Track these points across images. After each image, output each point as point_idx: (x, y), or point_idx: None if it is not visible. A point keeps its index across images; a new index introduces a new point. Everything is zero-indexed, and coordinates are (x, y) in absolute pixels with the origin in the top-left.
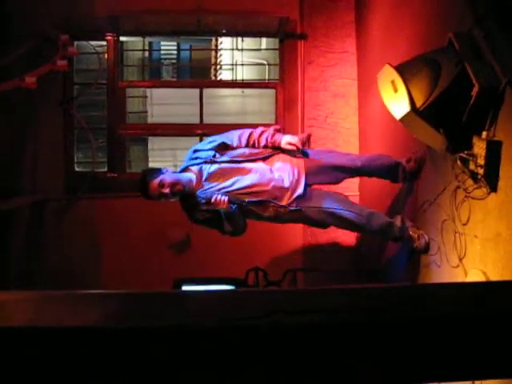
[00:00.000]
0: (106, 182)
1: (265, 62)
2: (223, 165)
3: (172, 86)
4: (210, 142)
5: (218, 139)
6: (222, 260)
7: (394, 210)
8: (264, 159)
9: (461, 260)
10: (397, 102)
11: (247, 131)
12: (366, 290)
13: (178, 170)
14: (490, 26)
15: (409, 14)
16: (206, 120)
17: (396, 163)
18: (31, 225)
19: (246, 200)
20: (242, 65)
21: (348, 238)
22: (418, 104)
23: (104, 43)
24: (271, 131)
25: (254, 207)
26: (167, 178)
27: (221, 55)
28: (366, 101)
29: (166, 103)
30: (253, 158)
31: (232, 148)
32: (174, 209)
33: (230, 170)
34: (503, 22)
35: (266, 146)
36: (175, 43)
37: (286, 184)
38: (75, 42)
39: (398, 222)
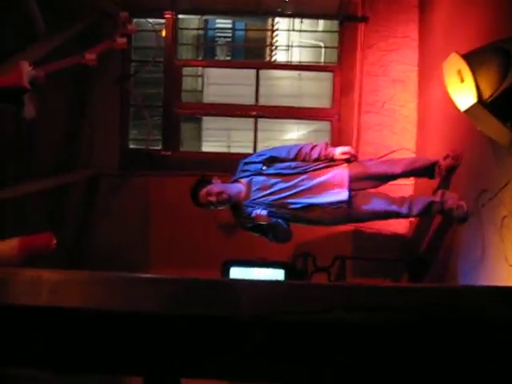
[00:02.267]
0: (160, 159)
1: (321, 44)
2: (270, 176)
3: (227, 67)
4: (259, 156)
5: (267, 153)
6: (271, 243)
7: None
8: (309, 172)
9: None
10: (462, 92)
11: (297, 146)
12: (423, 289)
13: (232, 179)
14: None
15: (476, 1)
16: (261, 101)
17: (432, 163)
18: (85, 200)
19: (291, 206)
20: (299, 46)
21: (398, 225)
22: (486, 96)
23: (162, 21)
24: (323, 145)
25: (300, 212)
26: (214, 187)
27: (277, 35)
28: (427, 88)
29: (222, 83)
30: (299, 170)
31: (280, 160)
32: None
33: (277, 181)
34: None
35: (317, 159)
36: (230, 21)
37: (331, 191)
38: (134, 20)
39: (437, 197)
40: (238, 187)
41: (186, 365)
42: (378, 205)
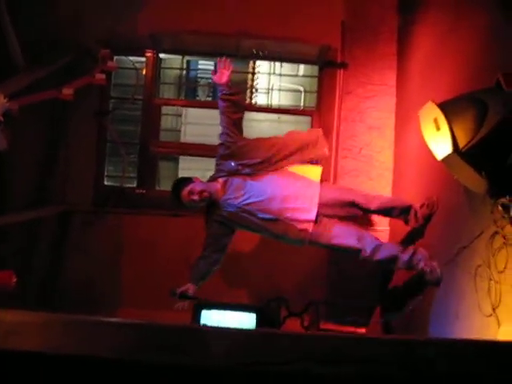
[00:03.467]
0: (135, 197)
1: (301, 89)
2: (246, 177)
3: (207, 107)
4: None
5: None
6: (245, 285)
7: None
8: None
9: (494, 309)
10: (439, 141)
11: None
12: (401, 341)
13: (210, 177)
14: None
15: (452, 51)
16: None
17: (409, 206)
18: (57, 235)
19: (259, 215)
20: (279, 90)
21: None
22: (461, 145)
23: (143, 59)
24: None
25: (266, 223)
26: (196, 186)
27: (257, 78)
28: (403, 135)
29: (200, 123)
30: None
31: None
32: (200, 230)
33: (250, 183)
34: None
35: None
36: (212, 63)
37: (300, 206)
38: (115, 57)
39: (405, 256)
40: (216, 186)
41: None
42: (341, 237)
